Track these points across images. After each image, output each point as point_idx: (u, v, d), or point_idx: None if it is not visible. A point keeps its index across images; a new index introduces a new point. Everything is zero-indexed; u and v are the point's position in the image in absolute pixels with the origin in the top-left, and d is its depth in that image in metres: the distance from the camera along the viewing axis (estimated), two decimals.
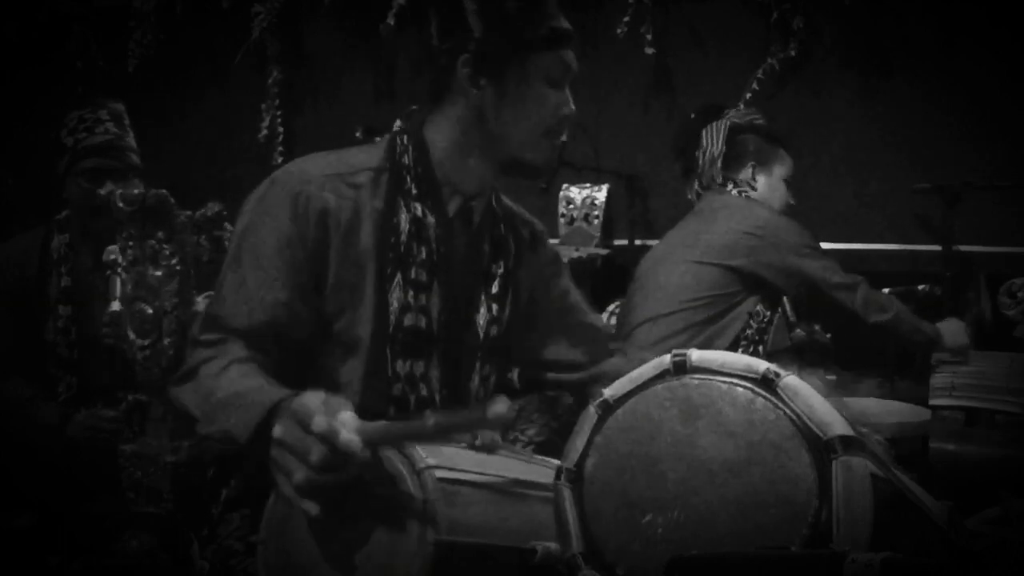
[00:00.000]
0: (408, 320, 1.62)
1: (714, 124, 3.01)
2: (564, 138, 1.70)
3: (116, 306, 2.41)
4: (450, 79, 1.65)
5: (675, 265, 2.87)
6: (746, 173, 2.98)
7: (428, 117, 1.70)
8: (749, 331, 2.83)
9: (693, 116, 3.10)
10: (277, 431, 1.28)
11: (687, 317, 2.77)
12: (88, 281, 2.64)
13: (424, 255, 1.64)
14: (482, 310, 1.71)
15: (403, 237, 1.62)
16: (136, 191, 2.55)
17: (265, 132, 4.81)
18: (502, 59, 1.62)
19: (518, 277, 1.78)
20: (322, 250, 1.59)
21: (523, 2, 1.63)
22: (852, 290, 2.83)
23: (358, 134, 3.53)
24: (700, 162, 3.00)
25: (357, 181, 1.63)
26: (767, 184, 2.98)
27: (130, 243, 2.47)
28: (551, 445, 2.92)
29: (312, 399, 1.29)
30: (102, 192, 2.59)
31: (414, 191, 1.64)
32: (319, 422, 1.23)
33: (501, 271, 1.74)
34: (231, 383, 1.49)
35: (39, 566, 2.40)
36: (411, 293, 1.62)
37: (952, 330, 2.87)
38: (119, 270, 2.43)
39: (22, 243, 2.74)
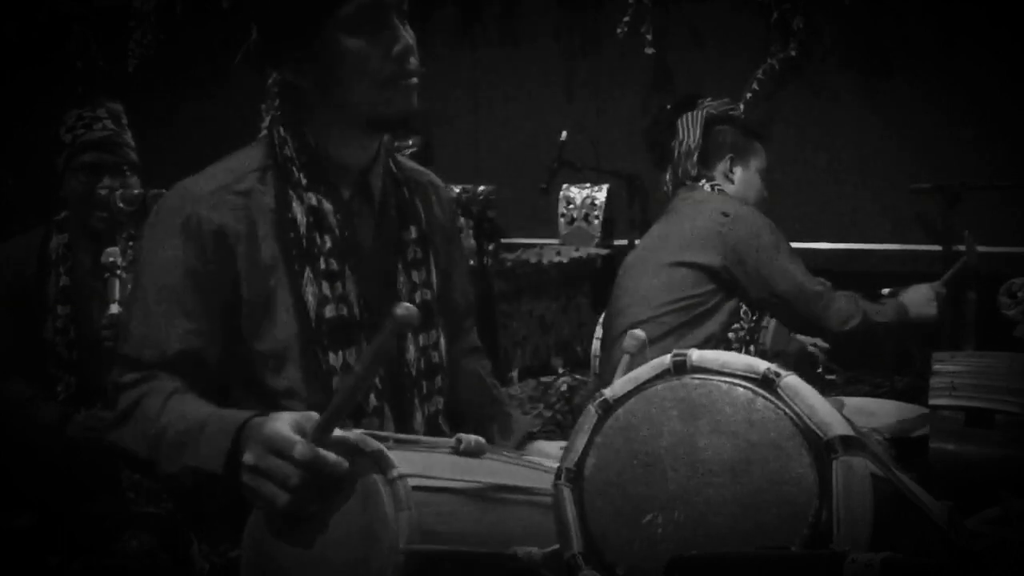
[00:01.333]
0: (329, 312, 1.57)
1: (690, 115, 2.90)
2: (414, 79, 1.56)
3: (115, 308, 2.41)
4: (281, 76, 1.62)
5: (650, 268, 2.80)
6: (724, 166, 2.88)
7: (295, 107, 1.64)
8: (741, 332, 2.76)
9: (668, 107, 2.99)
10: (248, 458, 1.28)
11: (667, 322, 2.69)
12: (87, 281, 2.64)
13: (330, 243, 1.58)
14: (401, 279, 1.65)
15: (302, 230, 1.57)
16: (136, 191, 2.56)
17: (265, 132, 4.81)
18: (300, 38, 1.54)
19: (437, 240, 1.74)
20: (226, 269, 1.55)
21: None
22: (819, 298, 2.70)
23: None
24: (675, 154, 2.89)
25: (243, 187, 1.58)
26: (744, 177, 2.89)
27: (130, 243, 2.48)
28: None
29: (278, 423, 1.28)
30: (102, 192, 2.59)
31: (304, 181, 1.59)
32: (300, 451, 1.23)
33: (414, 236, 1.69)
34: (180, 418, 1.46)
35: (39, 566, 2.40)
36: (325, 285, 1.57)
37: (916, 299, 2.79)
38: (118, 272, 2.44)
39: (21, 243, 2.74)
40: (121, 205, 2.51)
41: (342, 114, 1.59)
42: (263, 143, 1.65)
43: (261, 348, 1.57)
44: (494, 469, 1.34)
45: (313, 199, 1.59)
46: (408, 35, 1.56)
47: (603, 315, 3.09)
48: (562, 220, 4.31)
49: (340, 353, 1.58)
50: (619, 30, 4.24)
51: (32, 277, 2.66)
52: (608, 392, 1.19)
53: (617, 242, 4.26)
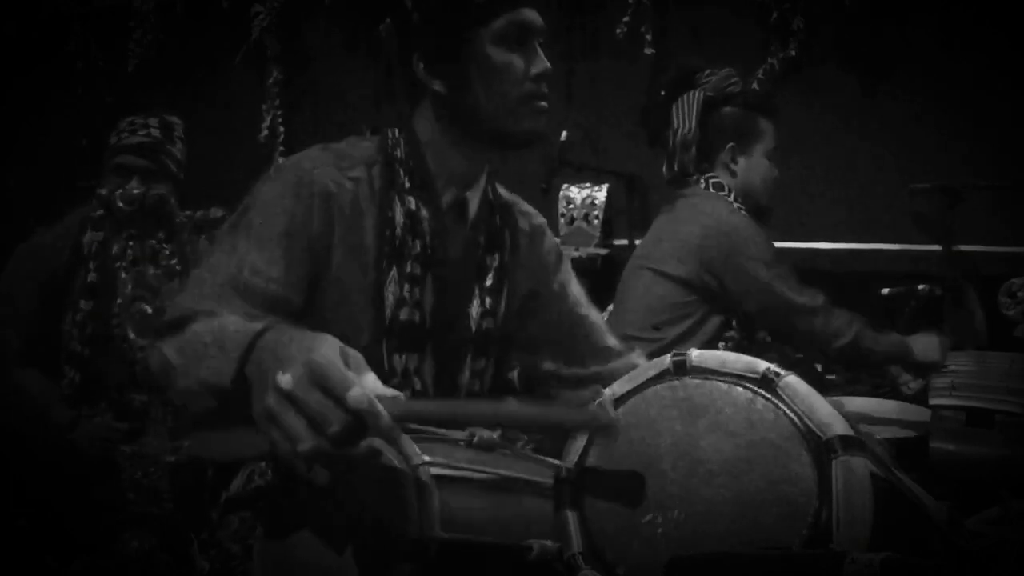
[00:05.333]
0: (404, 315, 1.61)
1: (684, 98, 2.67)
2: (545, 103, 1.61)
3: (120, 298, 2.42)
4: (414, 77, 1.64)
5: (640, 276, 2.71)
6: (724, 157, 2.68)
7: (413, 111, 1.69)
8: (729, 344, 2.63)
9: (663, 93, 2.73)
10: (285, 381, 1.05)
11: (655, 339, 2.57)
12: (113, 280, 2.66)
13: (418, 248, 1.62)
14: (475, 302, 1.69)
15: (398, 231, 1.61)
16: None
17: (265, 132, 4.81)
18: (449, 43, 1.59)
19: (516, 269, 1.77)
20: (325, 239, 1.57)
21: None
22: (813, 314, 2.55)
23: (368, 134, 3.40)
24: (670, 144, 2.68)
25: (354, 175, 1.62)
26: (747, 165, 2.69)
27: (130, 243, 2.48)
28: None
29: (331, 352, 1.08)
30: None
31: (407, 184, 1.63)
32: (358, 397, 1.03)
33: (496, 264, 1.72)
34: (218, 322, 1.35)
35: (39, 566, 2.40)
36: (406, 287, 1.61)
37: (924, 344, 2.64)
38: (124, 264, 2.45)
39: (54, 234, 2.76)
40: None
41: (471, 124, 1.62)
42: (374, 141, 1.69)
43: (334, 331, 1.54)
44: (506, 463, 1.35)
45: (412, 203, 1.63)
46: (544, 59, 1.61)
47: (606, 313, 3.07)
48: (562, 220, 4.31)
49: (403, 356, 1.61)
50: (619, 30, 4.23)
51: (63, 269, 2.68)
52: (608, 392, 1.19)
53: (617, 242, 4.26)
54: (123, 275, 2.45)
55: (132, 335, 2.44)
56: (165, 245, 2.49)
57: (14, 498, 2.56)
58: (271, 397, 1.06)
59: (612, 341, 1.89)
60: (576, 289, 1.89)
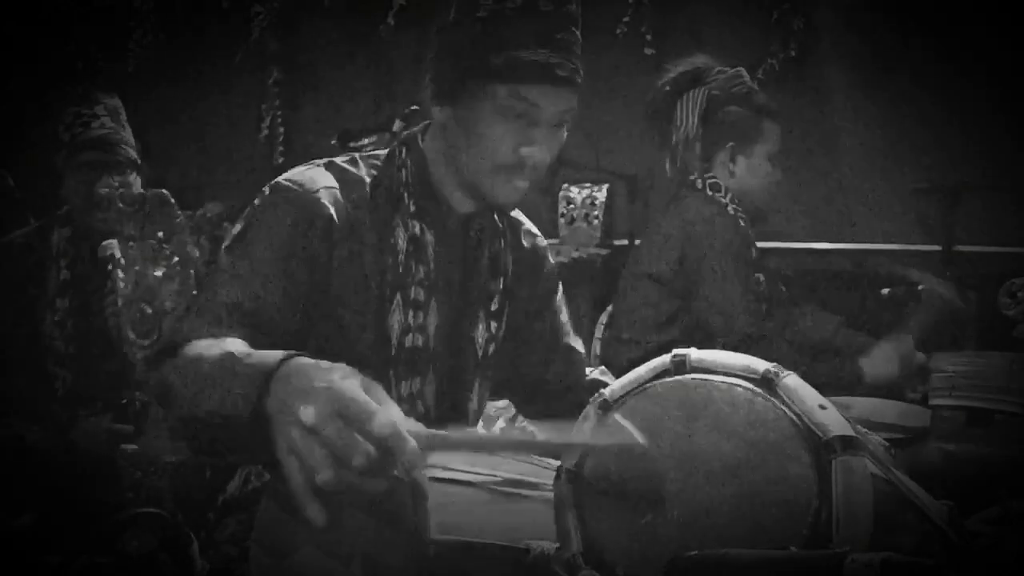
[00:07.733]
0: (408, 342, 1.57)
1: (689, 95, 2.63)
2: (522, 182, 1.54)
3: (120, 301, 2.41)
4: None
5: (631, 278, 2.69)
6: (723, 156, 2.64)
7: (427, 127, 1.64)
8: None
9: (668, 88, 2.68)
10: (308, 415, 1.01)
11: (644, 344, 2.55)
12: (87, 275, 2.65)
13: (422, 274, 1.58)
14: (480, 327, 1.66)
15: (401, 257, 1.57)
16: (137, 191, 2.56)
17: (265, 132, 4.82)
18: (453, 82, 1.52)
19: (518, 293, 1.74)
20: (323, 264, 1.53)
21: (489, 25, 1.48)
22: (749, 343, 2.44)
23: (333, 142, 3.24)
24: (672, 140, 2.64)
25: (356, 198, 1.57)
26: (747, 166, 2.65)
27: (130, 243, 2.48)
28: None
29: (352, 382, 1.04)
30: (103, 191, 2.59)
31: (412, 208, 1.59)
32: (384, 425, 1.00)
33: (499, 288, 1.69)
34: (225, 346, 1.29)
35: (39, 566, 2.40)
36: (410, 314, 1.57)
37: (877, 359, 2.52)
38: (120, 262, 2.44)
39: (22, 237, 2.75)
40: (122, 206, 2.51)
41: (454, 165, 1.58)
42: (380, 158, 1.63)
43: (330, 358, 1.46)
44: (503, 465, 1.35)
45: (417, 227, 1.59)
46: (548, 145, 1.54)
47: (605, 313, 3.08)
48: (562, 220, 4.31)
49: (408, 382, 1.57)
50: (619, 30, 4.24)
51: (33, 270, 2.67)
52: (607, 392, 1.19)
53: (617, 242, 4.26)
54: (121, 274, 2.45)
55: (132, 335, 2.44)
56: (165, 245, 2.49)
57: (14, 498, 2.56)
58: (294, 431, 1.03)
59: (586, 372, 1.89)
60: (565, 318, 1.87)
